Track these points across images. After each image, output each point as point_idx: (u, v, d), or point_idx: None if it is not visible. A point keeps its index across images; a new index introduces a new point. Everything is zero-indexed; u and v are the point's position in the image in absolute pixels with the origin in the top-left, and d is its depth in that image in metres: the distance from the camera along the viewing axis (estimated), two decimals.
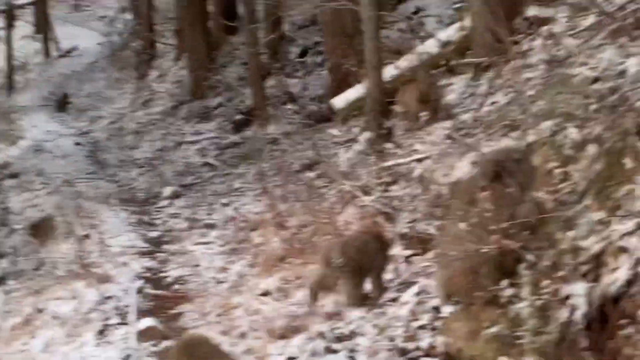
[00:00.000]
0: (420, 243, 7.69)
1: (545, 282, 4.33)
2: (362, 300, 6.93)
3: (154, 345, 7.05)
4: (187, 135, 18.46)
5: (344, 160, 11.59)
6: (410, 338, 5.89)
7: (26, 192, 14.77)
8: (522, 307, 4.65)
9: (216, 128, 18.11)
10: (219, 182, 14.61)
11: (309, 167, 12.67)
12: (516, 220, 4.77)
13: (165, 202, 13.52)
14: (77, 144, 20.34)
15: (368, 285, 7.00)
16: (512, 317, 4.81)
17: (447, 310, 5.74)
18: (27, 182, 15.65)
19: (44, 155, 18.46)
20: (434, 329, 5.83)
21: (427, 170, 8.52)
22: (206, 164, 16.11)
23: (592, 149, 5.59)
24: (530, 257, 4.59)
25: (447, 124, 9.26)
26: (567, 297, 4.20)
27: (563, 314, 4.20)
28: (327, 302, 7.27)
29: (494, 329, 4.83)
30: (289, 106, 16.93)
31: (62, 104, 25.54)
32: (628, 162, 4.57)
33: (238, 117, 17.89)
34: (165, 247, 10.66)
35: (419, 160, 8.93)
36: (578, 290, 4.05)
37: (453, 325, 5.49)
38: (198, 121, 18.98)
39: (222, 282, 8.80)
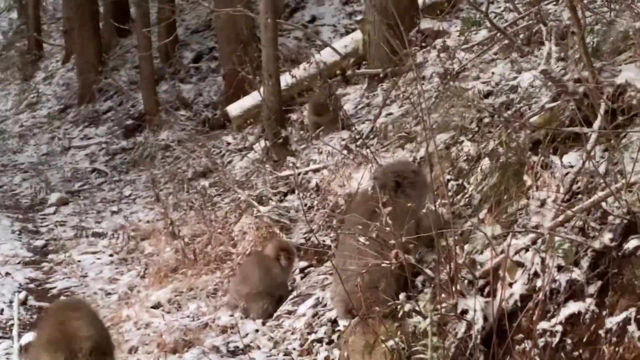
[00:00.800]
0: (316, 255, 7.66)
1: (443, 297, 4.33)
2: (268, 316, 6.91)
3: None
4: (75, 140, 17.92)
5: (239, 169, 11.48)
6: (307, 351, 5.82)
7: None
8: (419, 322, 4.66)
9: (106, 133, 17.66)
10: (108, 189, 14.23)
11: (203, 175, 12.50)
12: (414, 234, 4.76)
13: (51, 209, 13.01)
14: None
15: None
16: (410, 331, 4.81)
17: (343, 323, 5.70)
18: None
19: None
20: (330, 342, 5.79)
21: (323, 180, 8.50)
22: (95, 170, 15.67)
23: (486, 163, 5.69)
24: (428, 271, 4.60)
25: (344, 134, 9.28)
26: (464, 312, 4.23)
27: (460, 329, 4.22)
28: (222, 314, 7.15)
29: (390, 343, 4.80)
30: (182, 112, 16.68)
31: None
32: (524, 177, 4.65)
33: (129, 122, 17.51)
34: (51, 256, 10.24)
35: (316, 171, 8.90)
36: (474, 305, 4.07)
37: (350, 338, 5.45)
38: (87, 125, 18.46)
39: (110, 293, 8.50)
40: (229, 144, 13.53)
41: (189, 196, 11.05)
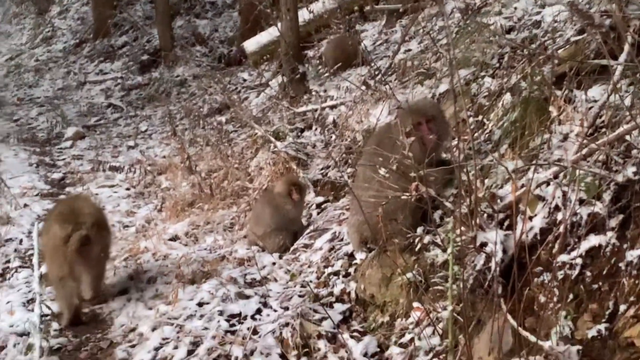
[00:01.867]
0: (333, 190, 7.67)
1: (462, 230, 4.32)
2: (284, 250, 6.98)
3: None
4: (90, 74, 17.89)
5: (254, 105, 11.44)
6: (323, 284, 5.86)
7: None
8: (437, 254, 4.67)
9: (121, 68, 17.61)
10: (124, 124, 14.24)
11: (219, 111, 12.48)
12: (434, 167, 4.74)
13: (67, 143, 13.06)
14: None
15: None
16: (427, 263, 4.83)
17: (360, 257, 5.73)
18: None
19: None
20: (347, 275, 5.82)
21: (341, 117, 8.45)
22: (111, 105, 15.65)
23: (507, 98, 5.62)
24: (447, 203, 4.59)
25: (362, 70, 9.20)
26: (483, 245, 4.22)
27: (479, 261, 4.22)
28: (239, 247, 7.20)
29: (408, 275, 4.83)
30: (198, 48, 16.59)
31: None
32: (550, 109, 4.59)
33: (144, 57, 17.44)
34: (69, 189, 10.30)
35: (333, 107, 8.85)
36: (494, 237, 4.06)
37: (366, 271, 5.48)
38: (102, 60, 18.41)
39: (128, 226, 8.57)
40: (244, 80, 13.47)
41: (205, 132, 11.04)
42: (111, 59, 18.28)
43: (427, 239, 4.58)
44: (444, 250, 4.57)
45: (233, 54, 14.92)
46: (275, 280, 6.30)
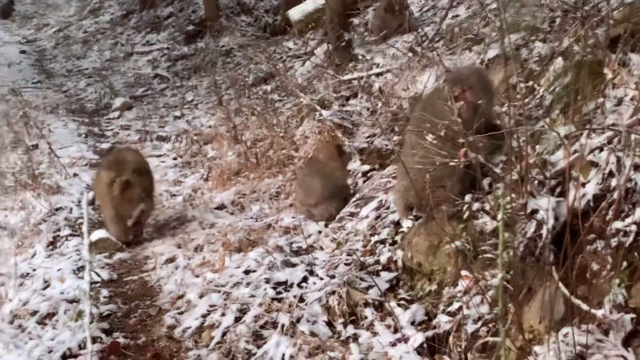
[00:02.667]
0: (379, 158, 7.60)
1: (512, 197, 4.23)
2: (331, 218, 6.90)
3: (107, 257, 6.93)
4: (137, 45, 18.00)
5: (299, 74, 11.38)
6: (370, 252, 5.82)
7: None
8: (486, 222, 4.59)
9: (167, 39, 17.67)
10: (170, 94, 14.31)
11: (264, 80, 12.44)
12: (483, 133, 4.64)
13: (115, 114, 13.19)
14: (23, 52, 19.70)
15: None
16: (475, 231, 4.76)
17: (407, 225, 5.66)
18: None
19: None
20: (393, 243, 5.77)
21: (387, 84, 8.35)
22: (157, 75, 15.74)
23: (559, 62, 5.48)
24: (497, 169, 4.50)
25: (408, 37, 9.06)
26: (534, 212, 4.13)
27: (530, 229, 4.13)
28: (285, 216, 7.19)
29: (456, 243, 4.76)
30: (243, 18, 16.54)
31: (6, 11, 24.67)
32: (605, 71, 4.45)
33: (190, 28, 17.46)
34: None
35: (378, 74, 8.75)
36: (547, 204, 3.97)
37: (413, 240, 5.42)
38: (149, 32, 18.49)
39: (175, 195, 8.63)
40: (290, 49, 13.41)
41: (251, 101, 11.03)
42: (157, 29, 18.36)
43: (475, 206, 4.49)
44: (493, 218, 4.49)
45: (278, 23, 14.85)
46: (321, 248, 6.28)
